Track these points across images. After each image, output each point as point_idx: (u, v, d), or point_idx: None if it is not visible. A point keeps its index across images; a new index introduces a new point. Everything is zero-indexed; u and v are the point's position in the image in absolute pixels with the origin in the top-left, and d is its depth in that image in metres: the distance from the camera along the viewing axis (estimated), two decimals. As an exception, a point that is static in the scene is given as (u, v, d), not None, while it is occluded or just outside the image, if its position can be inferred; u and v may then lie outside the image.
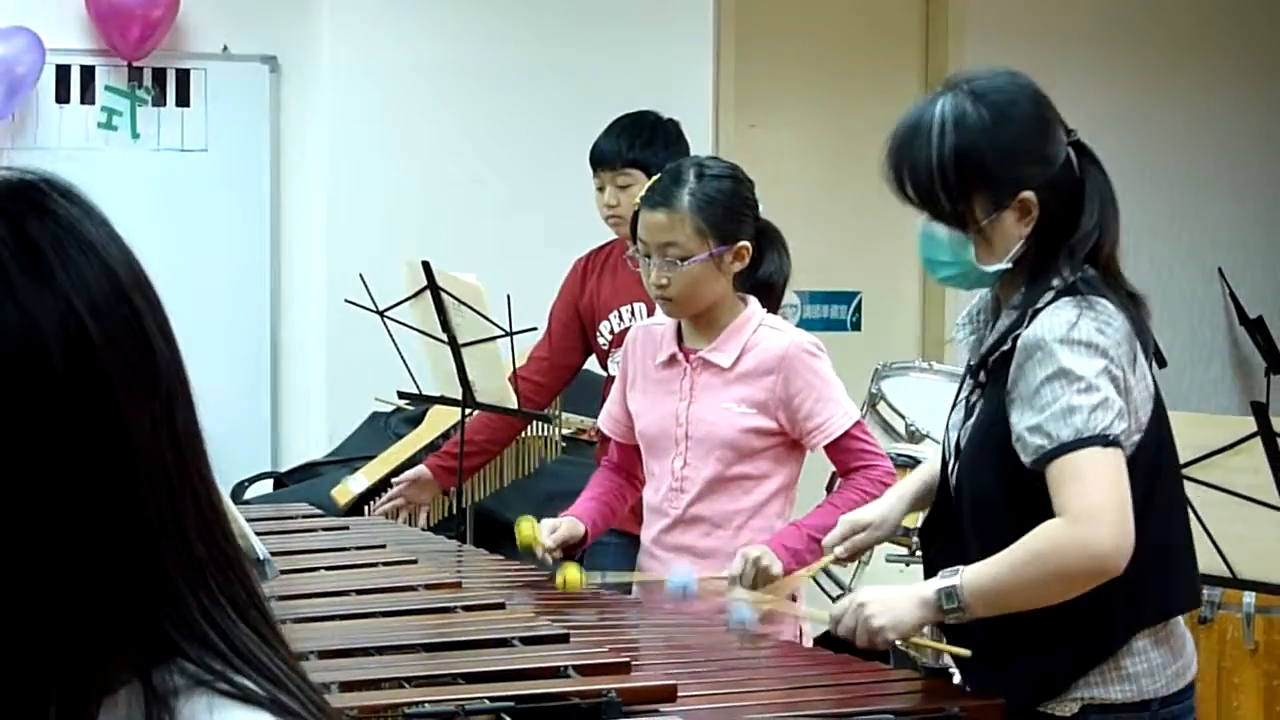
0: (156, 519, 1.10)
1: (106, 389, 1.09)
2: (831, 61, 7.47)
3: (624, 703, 2.54)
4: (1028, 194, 2.74)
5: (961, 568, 2.71)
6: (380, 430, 5.75)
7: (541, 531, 3.60)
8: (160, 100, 6.40)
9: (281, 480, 5.93)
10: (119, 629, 1.09)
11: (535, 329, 4.57)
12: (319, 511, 4.50)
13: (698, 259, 3.48)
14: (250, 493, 5.85)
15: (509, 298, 4.21)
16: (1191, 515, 3.42)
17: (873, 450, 3.55)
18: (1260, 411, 3.28)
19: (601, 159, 4.51)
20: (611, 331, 4.52)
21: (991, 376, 2.79)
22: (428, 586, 3.36)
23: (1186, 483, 3.39)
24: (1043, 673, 2.76)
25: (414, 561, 3.63)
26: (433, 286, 4.45)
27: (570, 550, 3.70)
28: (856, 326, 7.46)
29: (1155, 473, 2.78)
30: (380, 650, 2.82)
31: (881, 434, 5.17)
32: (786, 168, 7.24)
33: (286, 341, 6.54)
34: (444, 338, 4.49)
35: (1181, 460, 3.35)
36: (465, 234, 6.23)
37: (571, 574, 3.45)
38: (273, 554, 3.01)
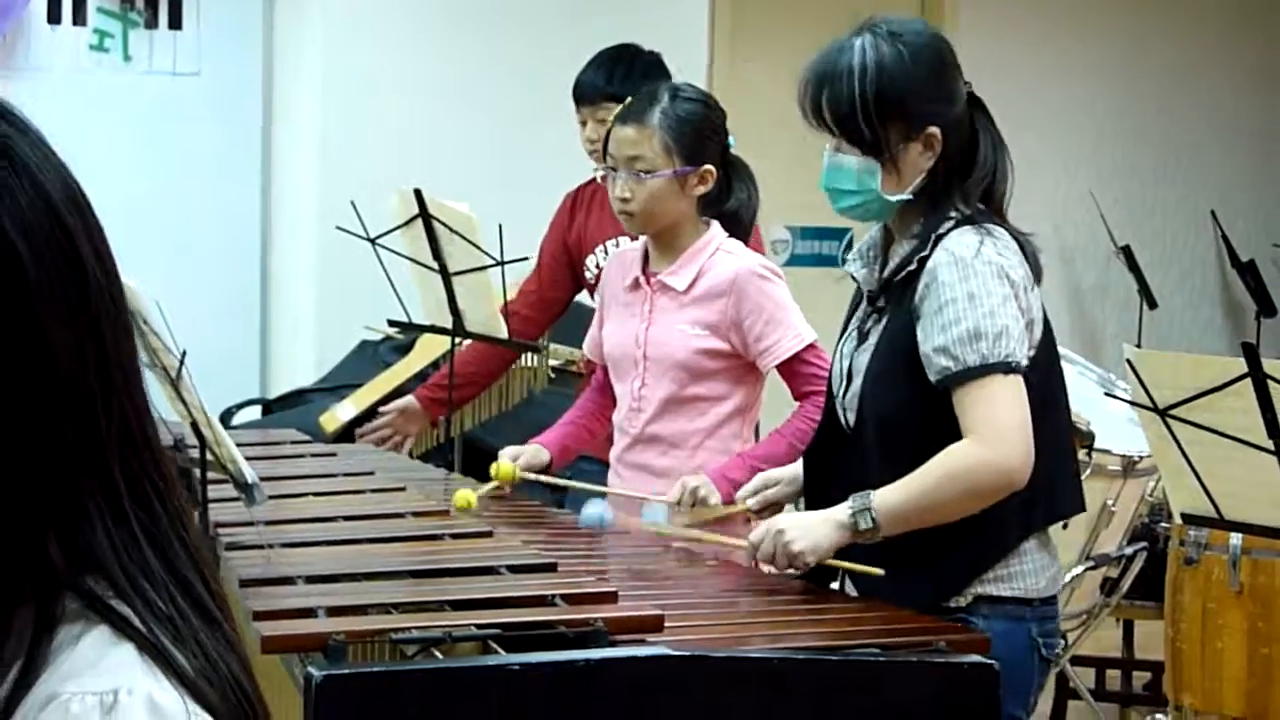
0: (73, 441, 1.11)
1: (30, 307, 1.10)
2: (828, -4, 7.43)
3: (611, 632, 2.54)
4: (934, 129, 2.95)
5: (871, 491, 2.89)
6: (369, 358, 5.74)
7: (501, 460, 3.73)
8: (152, 23, 6.36)
9: (270, 407, 5.92)
10: (21, 545, 1.10)
11: (527, 259, 4.55)
12: (307, 438, 4.50)
13: (662, 174, 3.57)
14: (238, 419, 5.84)
15: (500, 227, 4.19)
16: (1180, 455, 3.43)
17: (824, 375, 3.55)
18: (1251, 353, 3.28)
19: (582, 94, 4.52)
20: (598, 265, 4.52)
21: (892, 300, 2.96)
22: (415, 514, 3.36)
23: (1175, 423, 3.39)
24: (944, 574, 2.96)
25: (402, 489, 3.63)
26: (424, 215, 4.43)
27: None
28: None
29: (1046, 387, 2.98)
30: (368, 576, 2.82)
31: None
32: (781, 103, 7.18)
33: (276, 268, 6.53)
34: (435, 266, 4.47)
35: (1172, 401, 3.36)
36: (458, 162, 6.20)
37: (505, 468, 3.60)
38: (261, 479, 3.00)
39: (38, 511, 1.10)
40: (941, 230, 2.91)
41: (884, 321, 2.98)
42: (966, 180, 2.96)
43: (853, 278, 3.13)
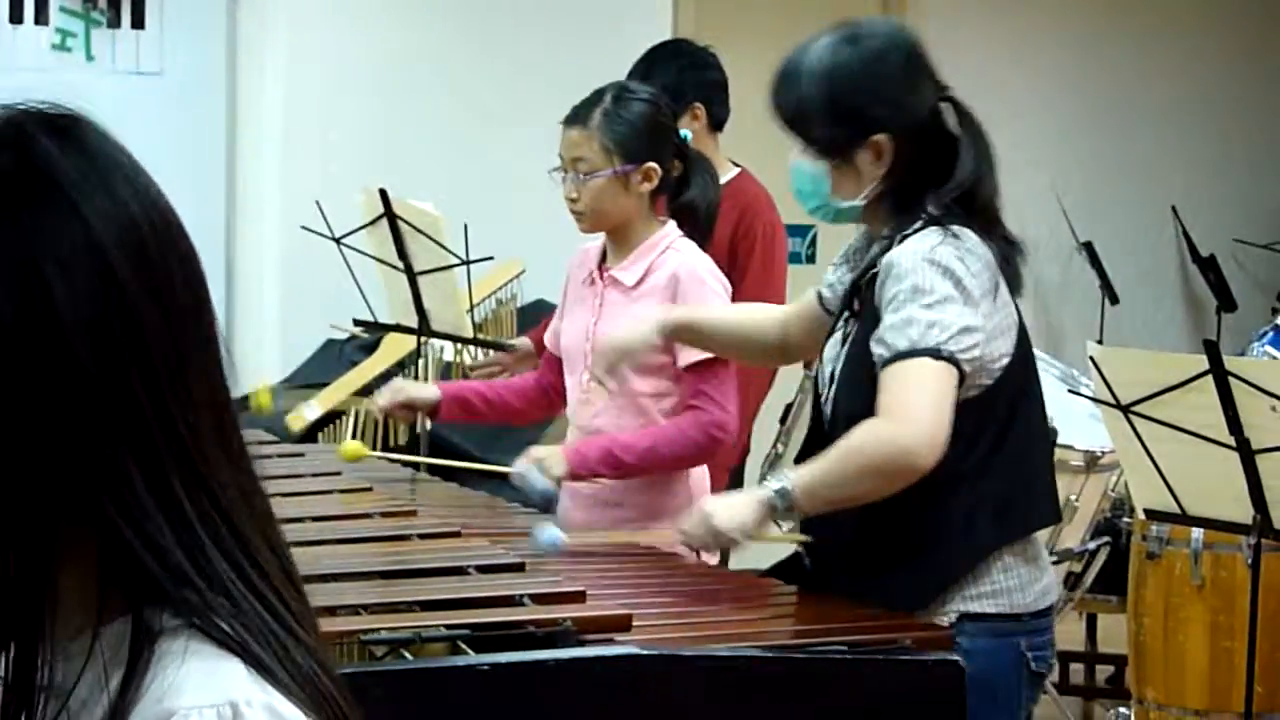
0: (115, 474, 1.10)
1: (67, 350, 1.09)
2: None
3: (579, 631, 2.56)
4: (881, 137, 2.92)
5: (793, 469, 2.89)
6: (335, 357, 5.73)
7: (383, 393, 3.85)
8: (115, 22, 6.33)
9: (235, 406, 5.91)
10: (109, 568, 1.10)
11: (492, 258, 4.56)
12: (273, 438, 4.50)
13: (602, 175, 3.60)
14: (203, 418, 5.82)
15: (466, 227, 4.21)
16: (1143, 451, 3.46)
17: (714, 397, 3.56)
18: (1212, 350, 3.31)
19: None
20: None
21: (864, 302, 2.94)
22: (383, 514, 3.36)
23: (1138, 419, 3.42)
24: (914, 583, 2.91)
25: (369, 489, 3.64)
26: (389, 214, 4.44)
27: (414, 410, 3.90)
28: (811, 259, 7.47)
29: (1019, 395, 2.94)
30: (336, 577, 2.83)
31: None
32: (745, 95, 7.21)
33: (241, 268, 6.51)
34: (400, 266, 4.48)
35: (1134, 398, 3.39)
36: (423, 162, 6.20)
37: (262, 396, 3.53)
38: (228, 480, 3.00)
39: (109, 536, 1.10)
40: (908, 231, 2.88)
41: (856, 325, 2.96)
42: (940, 188, 2.89)
43: (831, 286, 3.13)
